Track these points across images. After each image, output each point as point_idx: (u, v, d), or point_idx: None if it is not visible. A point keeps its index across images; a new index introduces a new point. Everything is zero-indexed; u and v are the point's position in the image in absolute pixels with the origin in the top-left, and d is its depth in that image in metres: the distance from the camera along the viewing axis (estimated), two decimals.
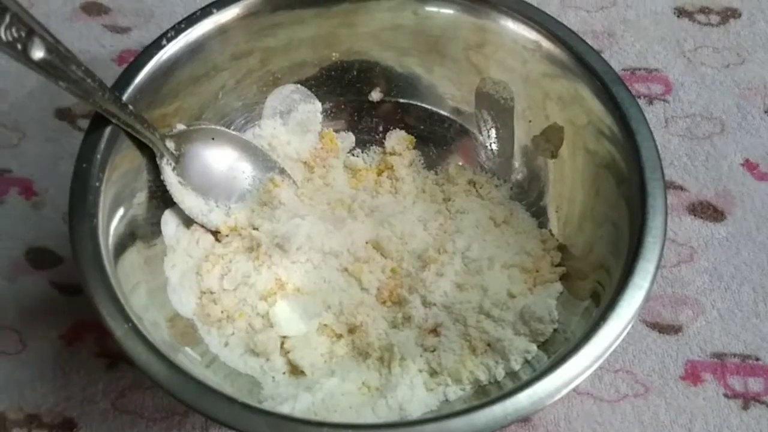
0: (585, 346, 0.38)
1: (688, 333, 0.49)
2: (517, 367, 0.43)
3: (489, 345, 0.45)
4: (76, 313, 0.49)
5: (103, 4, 0.62)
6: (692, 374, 0.47)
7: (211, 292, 0.46)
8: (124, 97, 0.43)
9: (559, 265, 0.47)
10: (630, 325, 0.39)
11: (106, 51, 0.59)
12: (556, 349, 0.43)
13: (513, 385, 0.40)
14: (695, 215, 0.52)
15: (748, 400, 0.47)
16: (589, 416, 0.46)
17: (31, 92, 0.57)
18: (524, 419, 0.46)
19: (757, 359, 0.48)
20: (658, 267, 0.40)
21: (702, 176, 0.54)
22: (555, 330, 0.44)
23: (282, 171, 0.50)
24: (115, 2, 0.62)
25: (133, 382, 0.47)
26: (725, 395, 0.47)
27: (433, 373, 0.44)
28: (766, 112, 0.56)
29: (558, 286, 0.46)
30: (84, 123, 0.56)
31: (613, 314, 0.39)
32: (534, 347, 0.44)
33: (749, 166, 0.54)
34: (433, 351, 0.45)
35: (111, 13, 0.61)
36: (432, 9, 0.49)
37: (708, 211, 0.53)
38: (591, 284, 0.44)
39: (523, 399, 0.37)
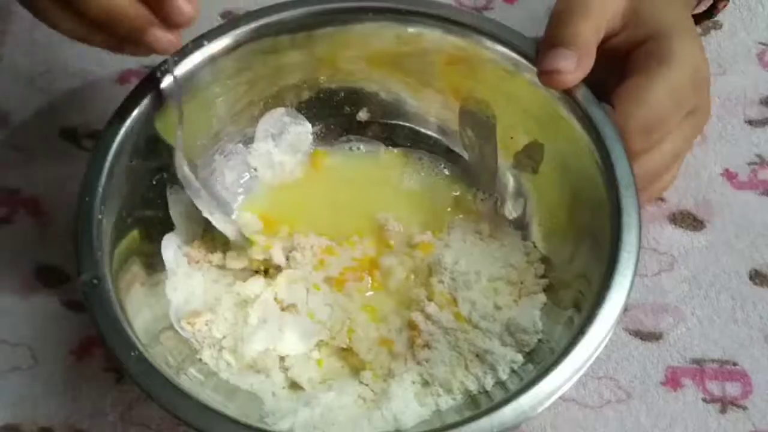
0: (565, 359, 0.41)
1: (668, 340, 0.51)
2: (504, 376, 0.46)
3: (477, 356, 0.47)
4: (86, 330, 0.51)
5: None
6: (672, 380, 0.50)
7: (213, 313, 0.48)
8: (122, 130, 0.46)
9: (542, 276, 0.50)
10: (607, 338, 0.41)
11: (107, 71, 0.61)
12: (542, 358, 0.45)
13: (502, 395, 0.42)
14: (676, 224, 0.54)
15: (725, 404, 0.49)
16: (574, 422, 0.48)
17: (37, 113, 0.59)
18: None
19: (735, 364, 0.50)
20: (633, 280, 0.42)
21: (682, 186, 0.55)
22: (539, 340, 0.47)
23: None
24: None
25: (141, 396, 0.49)
26: (704, 400, 0.49)
27: (426, 384, 0.47)
28: (746, 122, 0.58)
29: (542, 297, 0.49)
30: (88, 143, 0.58)
31: (591, 327, 0.41)
32: (520, 357, 0.46)
33: (728, 175, 0.56)
34: (426, 362, 0.47)
35: None
36: (414, 31, 0.51)
37: (688, 220, 0.55)
38: (573, 293, 0.46)
39: (508, 412, 0.40)
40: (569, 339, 0.42)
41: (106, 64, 0.61)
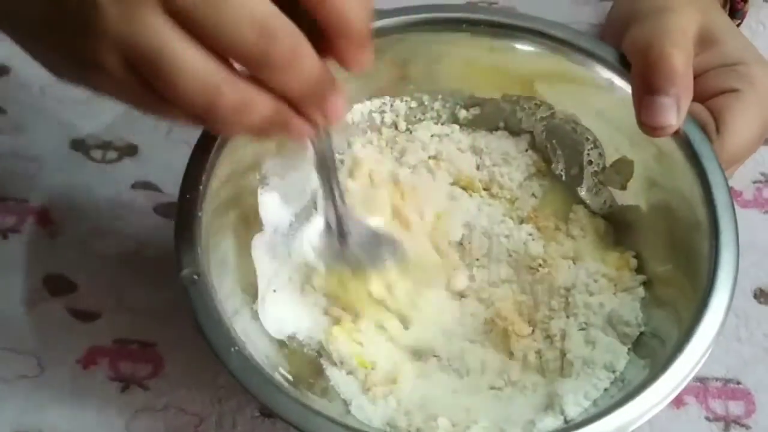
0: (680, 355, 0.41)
1: None
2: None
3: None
4: (91, 339, 0.52)
5: None
6: (676, 398, 0.50)
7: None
8: None
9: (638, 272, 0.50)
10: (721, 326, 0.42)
11: None
12: (648, 352, 0.46)
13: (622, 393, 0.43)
14: None
15: (728, 422, 0.49)
16: None
17: (47, 124, 0.60)
18: None
19: (738, 383, 0.50)
20: (737, 268, 0.43)
21: None
22: (642, 333, 0.47)
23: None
24: None
25: (145, 405, 0.49)
26: (707, 418, 0.49)
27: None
28: None
29: (640, 291, 0.49)
30: (98, 154, 0.58)
31: (704, 318, 0.42)
32: (624, 350, 0.47)
33: (733, 193, 0.56)
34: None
35: None
36: (507, 44, 0.51)
37: None
38: (673, 291, 0.47)
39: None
40: (683, 332, 0.42)
41: None
